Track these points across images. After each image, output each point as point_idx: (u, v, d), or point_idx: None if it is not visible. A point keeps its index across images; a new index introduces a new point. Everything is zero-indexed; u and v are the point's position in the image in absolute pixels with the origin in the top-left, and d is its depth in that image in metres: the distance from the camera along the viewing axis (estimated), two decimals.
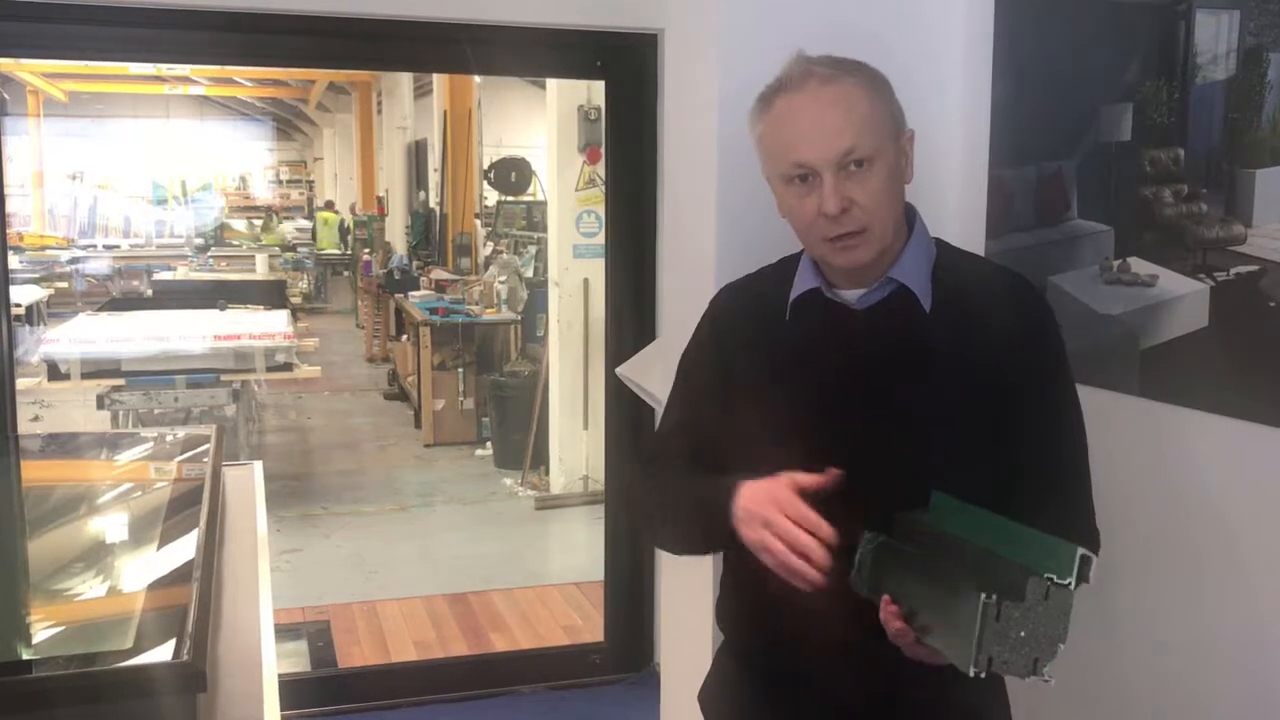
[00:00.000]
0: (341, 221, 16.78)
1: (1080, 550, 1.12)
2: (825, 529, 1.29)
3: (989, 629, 1.11)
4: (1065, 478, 1.45)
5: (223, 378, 6.39)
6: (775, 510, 1.32)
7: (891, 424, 1.42)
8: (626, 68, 3.77)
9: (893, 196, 1.43)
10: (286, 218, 19.87)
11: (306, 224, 18.02)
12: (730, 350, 1.56)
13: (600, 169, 5.32)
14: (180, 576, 1.19)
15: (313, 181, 24.09)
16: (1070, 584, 1.11)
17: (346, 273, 15.73)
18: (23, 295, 11.08)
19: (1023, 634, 1.11)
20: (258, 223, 18.88)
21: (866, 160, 1.39)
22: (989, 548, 1.21)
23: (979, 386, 1.42)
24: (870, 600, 1.31)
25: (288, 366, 6.58)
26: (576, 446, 6.24)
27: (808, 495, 1.34)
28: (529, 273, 8.34)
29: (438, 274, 10.19)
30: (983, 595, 1.11)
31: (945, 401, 1.42)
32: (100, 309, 8.25)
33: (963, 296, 1.46)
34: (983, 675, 1.12)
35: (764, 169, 1.50)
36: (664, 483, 1.55)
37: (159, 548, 1.32)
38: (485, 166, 10.22)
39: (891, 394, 1.43)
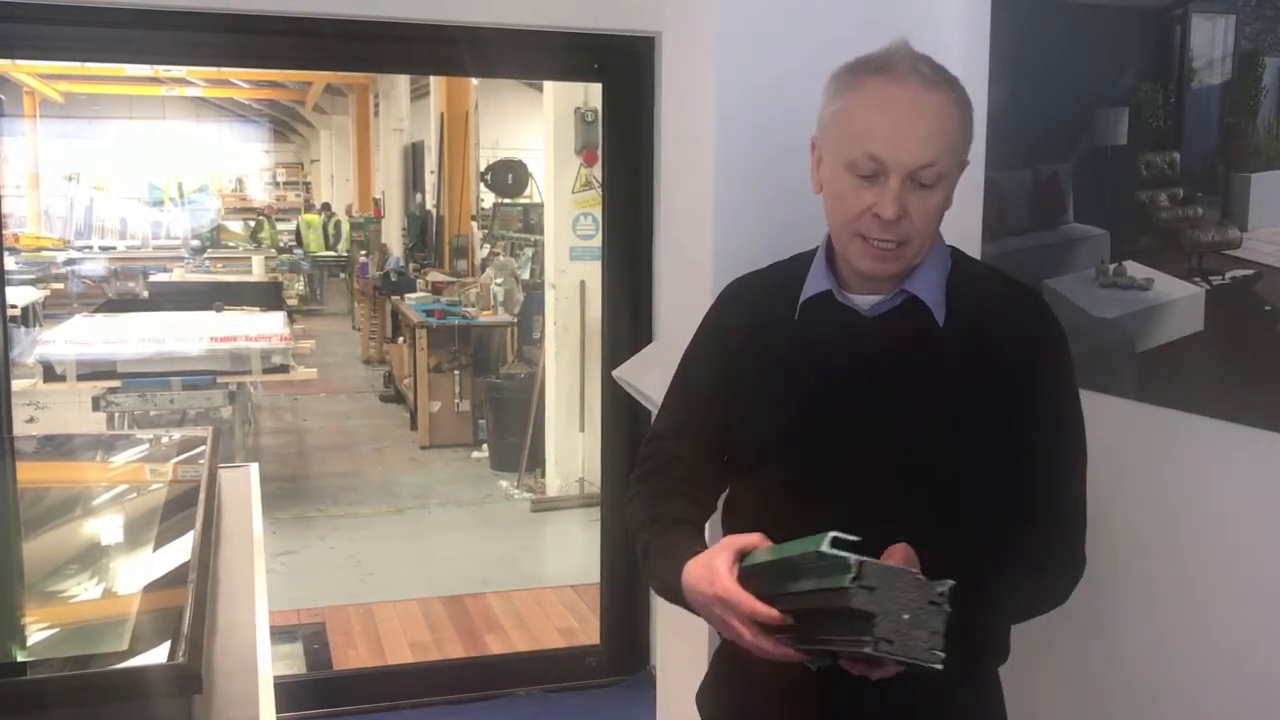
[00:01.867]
0: (337, 222, 16.77)
1: (823, 546, 1.14)
2: (765, 613, 1.27)
3: (899, 650, 1.12)
4: (1056, 496, 1.43)
5: (219, 379, 6.39)
6: (720, 608, 1.32)
7: (895, 433, 1.41)
8: (624, 70, 3.77)
9: (939, 219, 1.41)
10: (281, 219, 19.87)
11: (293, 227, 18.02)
12: (734, 346, 1.55)
13: (597, 171, 5.33)
14: (176, 578, 1.19)
15: (309, 183, 24.09)
16: (858, 561, 1.12)
17: (343, 274, 15.73)
18: (18, 296, 11.08)
19: (905, 616, 1.12)
20: (253, 225, 18.90)
21: (936, 179, 1.36)
22: (798, 591, 1.22)
23: (985, 399, 1.41)
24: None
25: (284, 368, 6.58)
26: (572, 449, 6.24)
27: (798, 514, 1.34)
28: (525, 275, 8.35)
29: (434, 276, 10.19)
30: (868, 650, 1.12)
31: (950, 411, 1.41)
32: (96, 310, 8.24)
33: (975, 310, 1.44)
34: (940, 664, 1.12)
35: (822, 137, 1.45)
36: (646, 509, 1.54)
37: (155, 549, 1.32)
38: (482, 168, 10.24)
39: (897, 403, 1.42)
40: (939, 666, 1.13)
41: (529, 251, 8.73)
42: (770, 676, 1.53)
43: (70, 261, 15.95)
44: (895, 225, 1.36)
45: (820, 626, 1.22)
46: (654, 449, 1.60)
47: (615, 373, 3.03)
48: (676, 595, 1.41)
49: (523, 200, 10.07)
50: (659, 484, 1.56)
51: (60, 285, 14.86)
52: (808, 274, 1.50)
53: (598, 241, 4.59)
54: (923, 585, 1.13)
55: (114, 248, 18.80)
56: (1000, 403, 1.41)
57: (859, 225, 1.39)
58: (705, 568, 1.35)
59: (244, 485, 1.84)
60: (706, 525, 1.63)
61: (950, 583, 1.14)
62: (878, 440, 1.42)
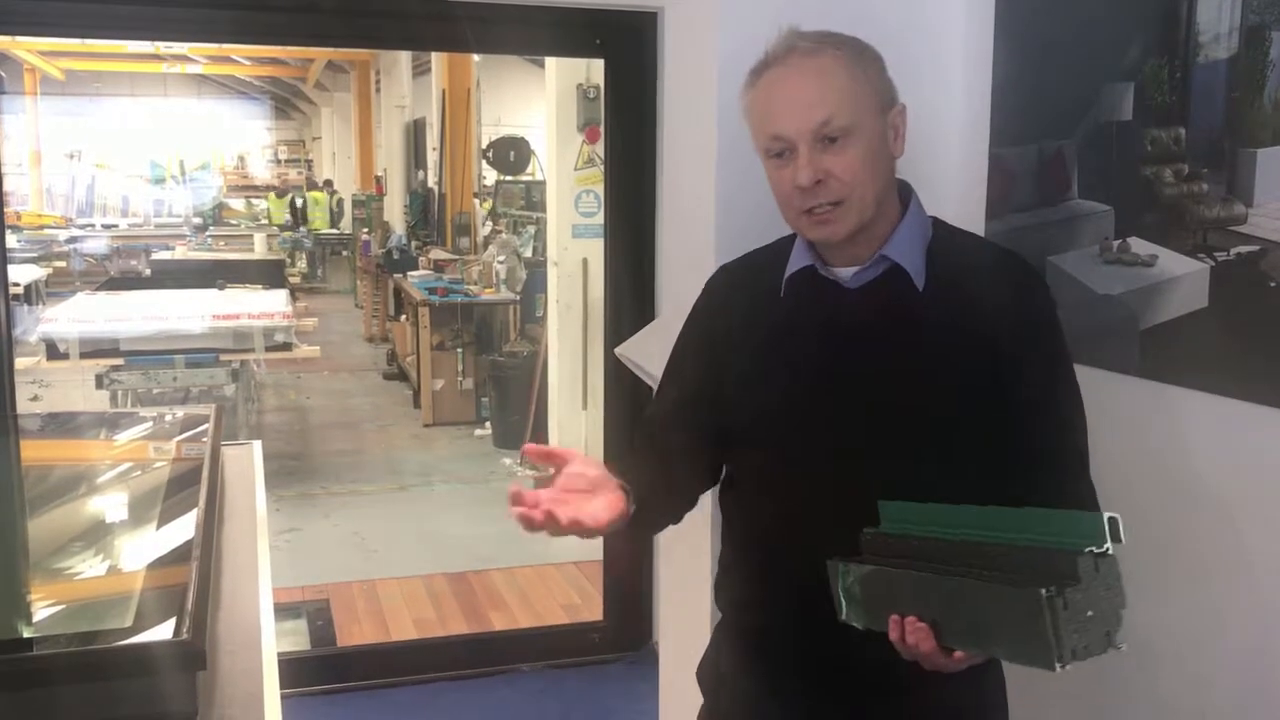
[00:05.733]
0: (339, 200, 16.74)
1: (1106, 515, 1.11)
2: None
3: (1060, 621, 1.08)
4: (1063, 454, 1.44)
5: (221, 357, 6.39)
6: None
7: (885, 402, 1.42)
8: (626, 46, 3.75)
9: (874, 170, 1.42)
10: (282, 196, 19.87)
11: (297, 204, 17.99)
12: (723, 331, 1.56)
13: (599, 148, 5.31)
14: (180, 555, 1.19)
15: (311, 160, 24.04)
16: (1109, 549, 1.10)
17: (345, 252, 15.72)
18: (21, 274, 11.09)
19: (1090, 614, 1.09)
20: (256, 202, 18.84)
21: (843, 132, 1.38)
22: (1002, 541, 1.18)
23: (973, 364, 1.41)
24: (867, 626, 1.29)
25: (286, 346, 6.59)
26: (575, 427, 6.24)
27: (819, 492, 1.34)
28: (528, 252, 8.33)
29: (436, 254, 10.19)
30: (1043, 591, 1.08)
31: (939, 379, 1.41)
32: (99, 288, 8.24)
33: (957, 275, 1.45)
34: (1068, 668, 1.09)
35: (754, 143, 1.50)
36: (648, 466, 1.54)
37: (158, 527, 1.32)
38: (484, 146, 10.20)
39: (885, 372, 1.43)
40: (1056, 669, 1.08)
41: (531, 229, 8.72)
42: (770, 655, 1.54)
43: (72, 239, 15.96)
44: (822, 188, 1.39)
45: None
46: (650, 429, 1.60)
47: (618, 350, 3.02)
48: None
49: (525, 178, 10.04)
50: (631, 457, 1.55)
51: (62, 263, 14.88)
52: (790, 253, 1.51)
53: (600, 219, 4.58)
54: (1119, 616, 1.11)
55: (116, 225, 18.79)
56: (991, 367, 1.41)
57: (793, 203, 1.42)
58: None
59: (247, 463, 1.84)
60: (707, 500, 1.65)
61: (1123, 647, 1.11)
62: (866, 410, 1.42)
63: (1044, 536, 1.14)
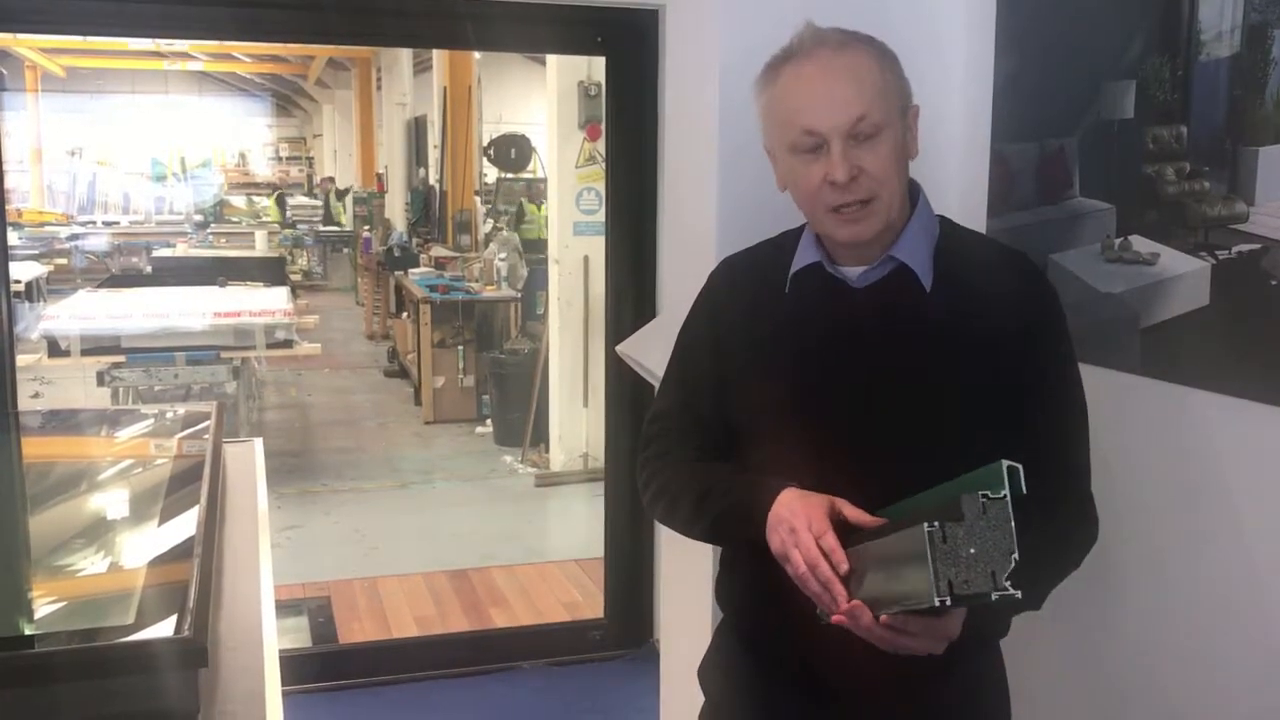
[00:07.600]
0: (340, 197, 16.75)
1: (1006, 463, 1.15)
2: (840, 556, 1.28)
3: (938, 554, 1.13)
4: (1064, 457, 1.44)
5: (223, 355, 6.39)
6: (804, 525, 1.31)
7: (890, 402, 1.42)
8: (627, 43, 3.75)
9: (900, 169, 1.42)
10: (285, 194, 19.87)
11: (306, 200, 17.96)
12: (727, 325, 1.56)
13: (600, 146, 5.31)
14: (181, 553, 1.19)
15: (312, 158, 24.04)
16: (1004, 495, 1.13)
17: (346, 250, 15.73)
18: (22, 272, 11.06)
19: (972, 551, 1.12)
20: (257, 199, 18.85)
21: (876, 129, 1.38)
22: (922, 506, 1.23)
23: (979, 364, 1.41)
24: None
25: (288, 343, 6.59)
26: (576, 424, 6.25)
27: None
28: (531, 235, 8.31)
29: (437, 251, 10.18)
30: (925, 525, 1.13)
31: (945, 378, 1.41)
32: (100, 286, 8.24)
33: (964, 275, 1.45)
34: (947, 602, 1.12)
35: (766, 138, 1.49)
36: (678, 469, 1.54)
37: (160, 524, 1.32)
38: (485, 143, 10.20)
39: (891, 372, 1.43)
40: (935, 601, 1.12)
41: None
42: (772, 655, 1.54)
43: (74, 237, 15.96)
44: (855, 184, 1.38)
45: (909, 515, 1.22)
46: (660, 429, 1.60)
47: (619, 348, 3.02)
48: (748, 510, 1.39)
49: (526, 175, 10.03)
50: (684, 452, 1.55)
51: (64, 260, 14.86)
52: (797, 248, 1.51)
53: (601, 216, 4.58)
54: (1006, 560, 1.13)
55: (117, 223, 18.80)
56: (996, 367, 1.41)
57: (822, 199, 1.41)
58: (805, 497, 1.35)
59: (248, 460, 1.84)
60: None
61: (1016, 593, 1.13)
62: (872, 410, 1.42)
63: (955, 488, 1.19)
